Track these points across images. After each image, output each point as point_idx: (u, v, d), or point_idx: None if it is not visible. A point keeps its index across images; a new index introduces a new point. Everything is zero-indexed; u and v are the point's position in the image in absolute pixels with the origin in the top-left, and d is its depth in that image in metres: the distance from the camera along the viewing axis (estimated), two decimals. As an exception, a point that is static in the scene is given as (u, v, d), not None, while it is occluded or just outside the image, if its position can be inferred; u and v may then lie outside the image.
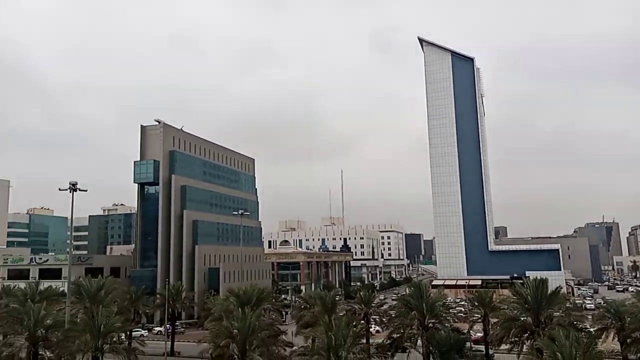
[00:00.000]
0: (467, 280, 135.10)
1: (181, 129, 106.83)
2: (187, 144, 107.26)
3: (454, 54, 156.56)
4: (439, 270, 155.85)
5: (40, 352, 40.12)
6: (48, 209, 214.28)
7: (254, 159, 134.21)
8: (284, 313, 73.46)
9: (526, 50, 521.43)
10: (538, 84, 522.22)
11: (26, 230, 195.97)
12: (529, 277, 50.10)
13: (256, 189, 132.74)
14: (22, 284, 79.79)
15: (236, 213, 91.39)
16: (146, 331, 75.41)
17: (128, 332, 50.58)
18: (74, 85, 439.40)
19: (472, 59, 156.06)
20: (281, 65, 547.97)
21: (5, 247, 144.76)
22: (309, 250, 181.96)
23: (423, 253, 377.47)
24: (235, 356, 34.43)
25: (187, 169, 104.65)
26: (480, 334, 57.04)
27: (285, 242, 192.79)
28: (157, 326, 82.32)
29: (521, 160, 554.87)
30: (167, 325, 63.55)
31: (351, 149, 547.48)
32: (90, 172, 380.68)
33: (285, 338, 45.72)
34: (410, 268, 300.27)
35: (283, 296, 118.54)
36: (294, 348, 40.24)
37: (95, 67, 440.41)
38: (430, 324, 42.81)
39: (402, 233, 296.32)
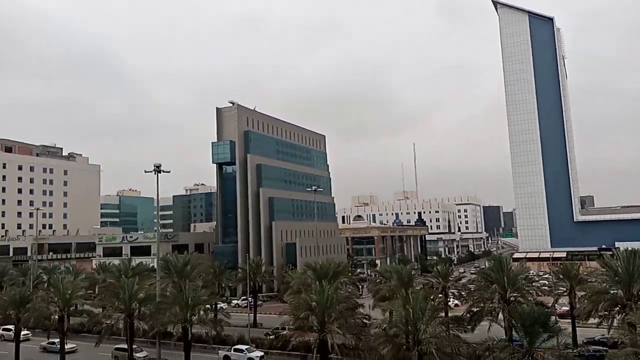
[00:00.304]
0: (551, 253, 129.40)
1: (254, 109, 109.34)
2: (260, 123, 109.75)
3: (531, 14, 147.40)
4: (520, 242, 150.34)
5: (135, 324, 43.28)
6: (135, 190, 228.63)
7: (324, 136, 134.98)
8: (360, 287, 74.23)
9: (609, 7, 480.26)
10: (623, 43, 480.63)
11: (117, 211, 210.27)
12: (618, 248, 47.17)
13: (328, 165, 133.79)
14: (116, 261, 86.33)
15: (309, 189, 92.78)
16: (225, 304, 79.03)
17: (213, 305, 53.23)
18: (153, 73, 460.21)
19: (551, 19, 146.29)
20: (347, 39, 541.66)
21: (99, 227, 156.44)
22: (382, 225, 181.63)
23: (503, 226, 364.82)
24: (315, 328, 35.37)
25: (262, 148, 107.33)
26: (565, 308, 54.73)
27: (358, 217, 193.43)
28: (234, 299, 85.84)
29: (607, 126, 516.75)
30: (250, 298, 66.22)
31: (421, 121, 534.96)
32: (171, 155, 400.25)
33: (362, 311, 46.35)
34: (490, 241, 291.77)
35: (358, 270, 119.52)
36: (371, 321, 40.68)
37: (172, 53, 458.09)
38: (511, 298, 41.56)
39: (479, 205, 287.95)
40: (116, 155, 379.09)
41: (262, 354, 47.78)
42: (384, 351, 32.25)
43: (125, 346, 49.75)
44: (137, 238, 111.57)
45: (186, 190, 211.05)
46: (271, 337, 52.31)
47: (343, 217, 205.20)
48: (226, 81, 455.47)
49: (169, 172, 48.75)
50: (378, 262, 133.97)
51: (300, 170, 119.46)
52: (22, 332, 55.21)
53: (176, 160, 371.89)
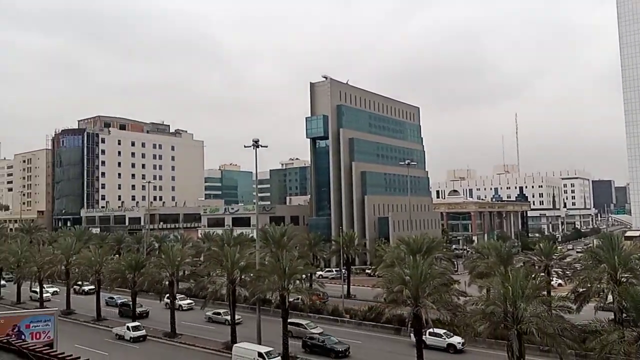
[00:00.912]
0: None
1: (346, 83, 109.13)
2: (353, 97, 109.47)
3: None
4: (634, 220, 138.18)
5: (237, 290, 45.91)
6: (236, 165, 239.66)
7: (418, 108, 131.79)
8: (455, 263, 72.70)
9: None
10: None
11: (219, 184, 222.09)
12: None
13: (422, 138, 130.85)
14: (219, 231, 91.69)
15: (402, 163, 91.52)
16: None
17: (309, 275, 54.90)
18: (248, 52, 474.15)
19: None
20: (441, 6, 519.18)
21: (203, 199, 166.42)
22: (480, 200, 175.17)
23: (614, 202, 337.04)
24: (409, 301, 35.28)
25: (354, 122, 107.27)
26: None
27: (454, 192, 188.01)
28: (328, 270, 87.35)
29: None
30: (343, 269, 67.46)
31: (523, 90, 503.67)
32: (267, 131, 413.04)
33: (457, 287, 45.45)
34: (599, 218, 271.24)
35: (454, 246, 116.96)
36: (467, 298, 39.76)
37: (266, 31, 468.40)
38: (622, 279, 38.55)
39: (588, 180, 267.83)
40: (217, 131, 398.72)
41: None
42: (481, 328, 31.48)
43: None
44: (238, 210, 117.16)
45: (282, 164, 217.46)
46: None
47: (437, 192, 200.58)
48: (319, 57, 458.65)
49: (267, 146, 50.39)
50: (475, 238, 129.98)
51: (393, 143, 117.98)
52: (186, 302, 60.66)
53: (272, 135, 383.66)
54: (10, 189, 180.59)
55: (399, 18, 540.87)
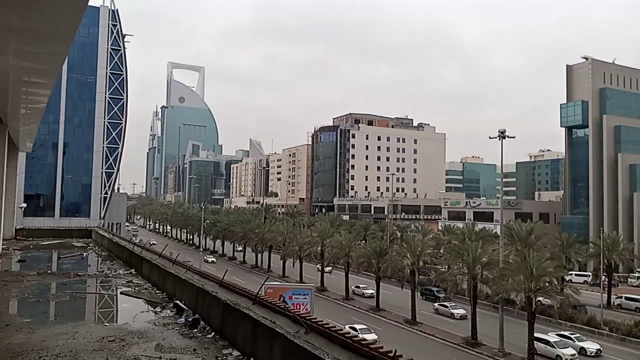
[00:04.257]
0: None
1: (612, 62, 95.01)
2: (620, 78, 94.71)
3: None
4: None
5: (478, 286, 44.58)
6: (478, 157, 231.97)
7: None
8: None
9: None
10: None
11: (460, 177, 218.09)
12: None
13: None
14: (459, 224, 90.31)
15: (689, 155, 75.59)
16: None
17: (561, 278, 49.93)
18: (485, 42, 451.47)
19: None
20: None
21: (444, 191, 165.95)
22: None
23: None
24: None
25: (622, 107, 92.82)
26: None
27: None
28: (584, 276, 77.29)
29: None
30: (603, 277, 59.44)
31: None
32: (511, 121, 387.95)
33: None
34: None
35: None
36: None
37: (501, 19, 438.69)
38: None
39: None
40: (459, 123, 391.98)
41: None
42: None
43: (446, 304, 52.98)
44: (480, 204, 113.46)
45: (530, 156, 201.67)
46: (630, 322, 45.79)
47: None
48: (564, 41, 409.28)
49: (514, 137, 47.61)
50: None
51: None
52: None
53: (516, 125, 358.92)
54: (279, 179, 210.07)
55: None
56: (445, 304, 55.31)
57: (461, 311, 52.51)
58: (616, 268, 71.83)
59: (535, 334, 39.66)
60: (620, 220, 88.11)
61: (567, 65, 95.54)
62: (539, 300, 40.63)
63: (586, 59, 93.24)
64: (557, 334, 42.85)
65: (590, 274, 76.59)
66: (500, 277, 41.55)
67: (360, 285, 65.34)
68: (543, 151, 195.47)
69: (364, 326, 44.06)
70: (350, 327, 42.44)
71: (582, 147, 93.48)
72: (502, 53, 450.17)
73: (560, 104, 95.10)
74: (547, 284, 39.22)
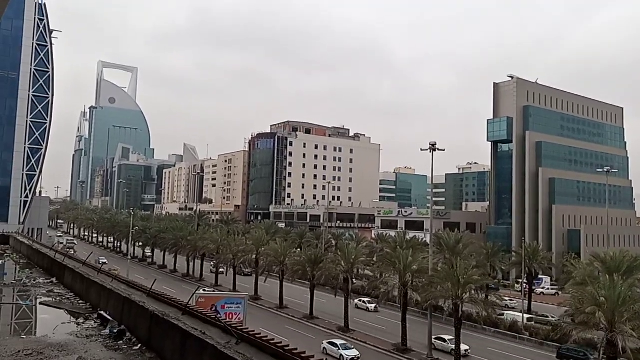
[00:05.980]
0: None
1: (535, 82, 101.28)
2: (542, 97, 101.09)
3: None
4: None
5: (408, 293, 45.76)
6: (410, 168, 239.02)
7: (622, 108, 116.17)
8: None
9: None
10: None
11: (393, 187, 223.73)
12: None
13: (625, 143, 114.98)
14: (392, 233, 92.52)
15: (600, 170, 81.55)
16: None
17: (485, 286, 52.15)
18: (417, 58, 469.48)
19: None
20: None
21: (378, 201, 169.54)
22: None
23: None
24: (602, 326, 31.41)
25: (543, 124, 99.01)
26: None
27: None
28: (506, 282, 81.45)
29: None
30: (524, 284, 62.85)
31: None
32: (438, 134, 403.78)
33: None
34: None
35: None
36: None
37: (432, 37, 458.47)
38: None
39: None
40: (390, 135, 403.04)
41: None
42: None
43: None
44: (411, 213, 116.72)
45: (458, 169, 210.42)
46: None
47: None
48: (489, 60, 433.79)
49: (444, 150, 49.55)
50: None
51: (589, 148, 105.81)
52: (372, 305, 64.22)
53: (446, 138, 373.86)
54: (214, 185, 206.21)
55: (583, 15, 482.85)
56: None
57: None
58: (536, 276, 76.07)
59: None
60: (540, 230, 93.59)
61: (495, 83, 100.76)
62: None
63: (512, 77, 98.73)
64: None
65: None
66: (430, 284, 42.92)
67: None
68: (471, 164, 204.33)
69: (343, 342, 43.86)
70: (330, 343, 42.59)
71: (506, 160, 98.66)
72: (432, 70, 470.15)
73: (487, 120, 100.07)
74: (472, 292, 40.93)
